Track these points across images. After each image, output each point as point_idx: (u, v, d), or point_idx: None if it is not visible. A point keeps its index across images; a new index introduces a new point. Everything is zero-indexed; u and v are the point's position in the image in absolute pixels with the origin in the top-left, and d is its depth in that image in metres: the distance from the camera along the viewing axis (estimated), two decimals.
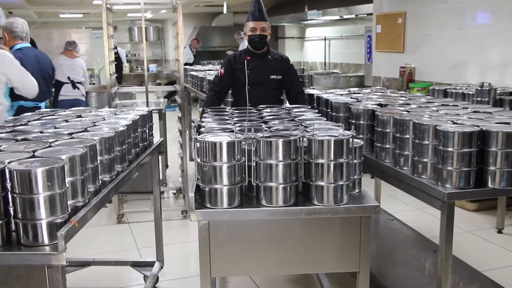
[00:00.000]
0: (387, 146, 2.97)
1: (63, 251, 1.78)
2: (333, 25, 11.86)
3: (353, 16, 9.97)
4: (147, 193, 4.87)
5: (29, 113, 3.25)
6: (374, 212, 2.23)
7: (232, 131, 2.44)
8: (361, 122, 3.26)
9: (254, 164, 2.24)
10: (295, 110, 3.34)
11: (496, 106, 4.07)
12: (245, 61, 4.08)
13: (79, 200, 2.09)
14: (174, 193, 5.85)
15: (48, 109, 3.66)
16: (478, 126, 2.53)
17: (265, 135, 2.26)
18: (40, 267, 1.80)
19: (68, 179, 1.96)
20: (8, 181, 1.83)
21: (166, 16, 15.83)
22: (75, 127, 2.68)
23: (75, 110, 3.44)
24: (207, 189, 2.19)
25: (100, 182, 2.36)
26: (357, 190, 2.39)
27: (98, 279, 3.78)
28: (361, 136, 3.21)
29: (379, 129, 3.04)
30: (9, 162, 1.88)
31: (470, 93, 4.36)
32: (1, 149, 2.17)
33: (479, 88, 4.29)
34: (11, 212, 1.86)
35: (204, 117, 3.05)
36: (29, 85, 4.16)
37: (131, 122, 2.86)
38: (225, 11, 12.17)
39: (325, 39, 12.34)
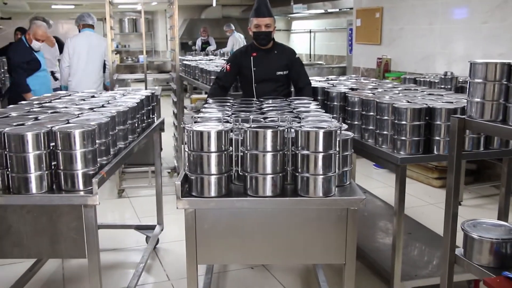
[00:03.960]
0: (356, 122, 3.53)
1: (97, 193, 2.30)
2: (318, 18, 12.41)
3: (337, 10, 10.54)
4: (149, 165, 5.43)
5: (49, 94, 3.75)
6: (360, 204, 2.25)
7: (221, 121, 2.46)
8: (335, 103, 3.82)
9: (242, 154, 2.27)
10: (296, 102, 3.41)
11: (457, 92, 4.64)
12: (251, 57, 4.05)
13: (104, 159, 2.61)
14: (168, 172, 6.36)
15: (63, 91, 4.16)
16: (426, 104, 3.09)
17: (252, 125, 2.29)
18: (78, 206, 2.32)
19: (97, 141, 2.48)
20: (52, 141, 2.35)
21: (156, 8, 16.23)
22: (93, 104, 3.20)
23: (87, 92, 3.95)
24: (194, 177, 2.24)
25: (117, 147, 2.88)
26: (348, 182, 2.44)
27: (104, 241, 4.30)
28: (334, 115, 3.76)
29: (349, 108, 3.59)
30: (51, 127, 2.39)
31: (436, 81, 4.92)
32: (39, 119, 2.68)
33: (443, 77, 4.85)
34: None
35: (205, 107, 3.16)
36: None
37: (139, 100, 3.37)
38: (214, 4, 12.63)
39: (310, 32, 12.89)
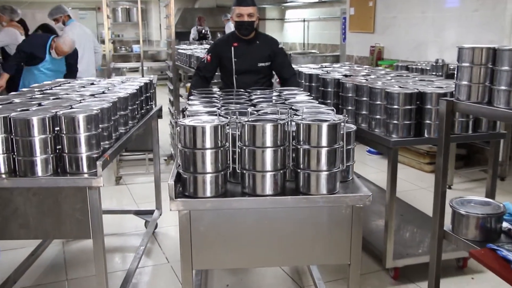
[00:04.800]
0: (349, 108, 3.63)
1: (101, 176, 2.40)
2: (312, 7, 12.46)
3: None
4: (147, 151, 5.54)
5: (49, 81, 3.83)
6: (366, 202, 2.13)
7: (216, 115, 2.27)
8: (329, 89, 3.91)
9: (239, 150, 2.11)
10: (286, 92, 3.29)
11: (448, 79, 4.75)
12: (232, 48, 3.94)
13: (106, 143, 2.70)
14: (165, 159, 6.45)
15: (63, 79, 4.22)
16: (417, 89, 3.19)
17: (250, 119, 2.14)
18: (83, 188, 2.42)
19: (100, 126, 2.57)
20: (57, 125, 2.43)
21: None
22: (93, 91, 3.28)
23: (86, 79, 4.02)
24: (189, 176, 2.09)
25: (119, 132, 2.97)
26: (350, 178, 2.32)
27: (104, 226, 4.38)
28: (329, 101, 3.87)
29: (343, 94, 3.69)
30: (56, 112, 2.48)
31: (427, 68, 5.03)
32: (43, 104, 2.76)
33: (434, 64, 4.96)
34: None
35: (191, 99, 3.01)
36: None
37: (139, 87, 3.46)
38: None
39: (304, 21, 12.94)
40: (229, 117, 2.19)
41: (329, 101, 3.88)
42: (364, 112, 3.47)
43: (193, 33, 12.85)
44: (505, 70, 2.14)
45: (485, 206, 2.33)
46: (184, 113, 2.49)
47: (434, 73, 4.88)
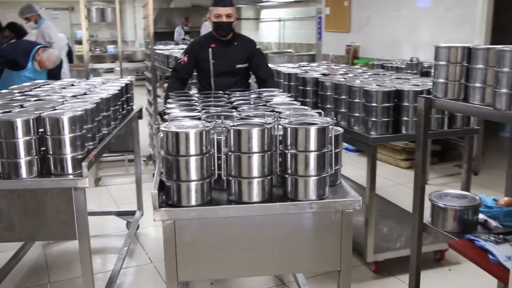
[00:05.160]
0: (328, 106, 3.70)
1: (87, 176, 2.41)
2: (287, 7, 12.55)
3: None
4: (127, 152, 5.46)
5: (28, 83, 3.80)
6: (356, 206, 2.08)
7: (200, 119, 2.20)
8: (308, 88, 3.98)
9: (225, 156, 2.04)
10: (265, 94, 3.22)
11: (423, 77, 4.87)
12: (210, 49, 3.86)
13: (90, 144, 2.71)
14: (144, 160, 6.44)
15: (42, 81, 4.18)
16: (395, 87, 3.28)
17: (236, 123, 2.06)
18: (68, 189, 2.42)
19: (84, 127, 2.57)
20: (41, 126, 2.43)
21: None
22: (75, 92, 3.27)
23: (67, 80, 4.01)
24: (173, 184, 2.00)
25: (102, 133, 2.98)
26: (338, 182, 2.27)
27: None
28: (308, 100, 3.93)
29: (322, 93, 3.76)
30: (39, 113, 2.48)
31: (403, 67, 5.15)
32: (25, 106, 2.75)
33: (409, 62, 5.08)
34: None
35: (169, 103, 2.91)
36: None
37: (120, 88, 3.46)
38: None
39: (279, 21, 13.02)
40: (214, 122, 2.11)
41: (308, 99, 3.94)
42: (343, 110, 3.54)
43: (180, 33, 12.76)
44: (480, 68, 2.23)
45: (462, 199, 2.41)
46: (164, 117, 2.40)
47: (409, 71, 5.00)
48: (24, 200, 2.44)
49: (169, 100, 3.00)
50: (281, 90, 3.56)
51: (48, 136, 2.42)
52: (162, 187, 2.06)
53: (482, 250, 2.02)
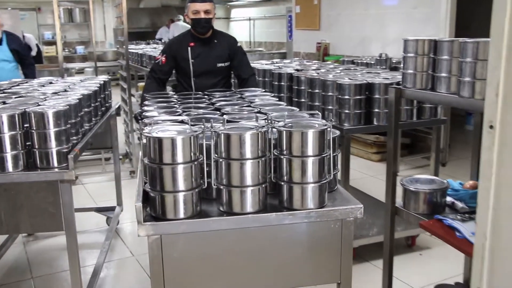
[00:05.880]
0: (302, 100, 3.84)
1: (73, 169, 2.48)
2: (257, 6, 12.70)
3: None
4: (105, 148, 5.47)
5: (5, 81, 3.82)
6: (358, 214, 1.92)
7: (186, 123, 1.97)
8: (283, 83, 4.11)
9: (215, 163, 1.85)
10: (248, 94, 3.08)
11: (392, 71, 5.05)
12: (189, 48, 3.72)
13: (74, 139, 2.77)
14: (120, 158, 6.46)
15: (20, 79, 4.21)
16: (366, 80, 3.44)
17: (227, 127, 1.89)
18: (54, 182, 2.49)
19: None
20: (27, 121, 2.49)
21: None
22: (55, 89, 3.32)
23: (45, 78, 4.04)
24: (158, 196, 1.80)
25: (84, 128, 3.04)
26: (335, 187, 2.11)
27: None
28: (282, 94, 4.06)
29: (296, 87, 3.90)
30: (24, 109, 2.53)
31: (372, 62, 5.32)
32: (8, 102, 2.79)
33: (378, 58, 5.27)
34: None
35: (146, 105, 2.71)
36: None
37: (99, 85, 3.52)
38: None
39: (249, 19, 13.15)
40: (202, 126, 1.94)
41: (282, 94, 4.07)
42: (317, 104, 3.68)
43: (163, 34, 12.71)
44: (445, 59, 2.39)
45: (431, 183, 2.57)
46: (140, 120, 2.28)
47: (378, 67, 5.18)
48: (11, 193, 2.50)
49: (146, 102, 2.83)
50: (263, 90, 3.44)
51: (33, 131, 2.48)
52: (146, 198, 1.86)
53: (450, 228, 2.18)
